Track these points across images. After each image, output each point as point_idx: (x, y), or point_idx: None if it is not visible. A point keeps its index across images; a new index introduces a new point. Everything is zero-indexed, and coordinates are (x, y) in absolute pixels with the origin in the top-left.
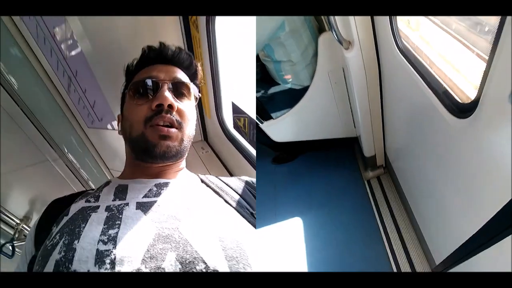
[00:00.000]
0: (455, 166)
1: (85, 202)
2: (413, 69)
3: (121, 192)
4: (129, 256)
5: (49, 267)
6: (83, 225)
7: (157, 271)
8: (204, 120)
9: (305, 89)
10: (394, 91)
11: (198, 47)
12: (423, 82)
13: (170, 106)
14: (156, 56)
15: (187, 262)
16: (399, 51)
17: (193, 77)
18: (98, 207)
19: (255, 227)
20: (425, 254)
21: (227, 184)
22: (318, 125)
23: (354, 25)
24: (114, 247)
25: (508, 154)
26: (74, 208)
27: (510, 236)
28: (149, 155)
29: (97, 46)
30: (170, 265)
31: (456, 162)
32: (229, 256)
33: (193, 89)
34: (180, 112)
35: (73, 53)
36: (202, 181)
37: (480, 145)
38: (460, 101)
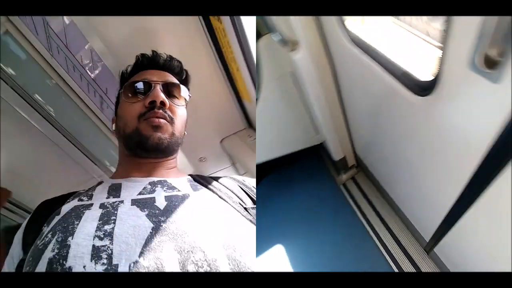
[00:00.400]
0: (425, 143)
1: (78, 201)
2: (367, 57)
3: (114, 191)
4: (127, 249)
5: (41, 266)
6: (77, 222)
7: (156, 262)
8: (244, 107)
9: None
10: (352, 85)
11: (224, 37)
12: (380, 68)
13: (162, 103)
14: (149, 62)
15: (185, 251)
16: (350, 41)
17: (183, 82)
18: (91, 204)
19: (251, 221)
20: (415, 237)
21: (218, 182)
22: (276, 141)
23: (297, 23)
24: (111, 242)
25: (472, 121)
26: (67, 207)
27: (483, 199)
28: (142, 148)
29: (121, 60)
30: (168, 255)
31: (425, 139)
32: (226, 244)
33: (184, 91)
34: (171, 109)
35: (100, 72)
36: (195, 179)
37: (446, 118)
38: (421, 80)
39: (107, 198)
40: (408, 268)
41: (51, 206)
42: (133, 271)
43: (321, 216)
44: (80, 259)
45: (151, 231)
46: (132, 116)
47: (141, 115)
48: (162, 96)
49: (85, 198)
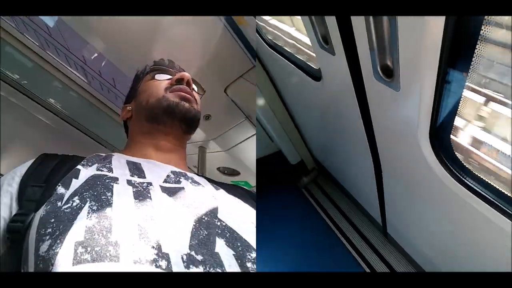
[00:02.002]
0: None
1: (97, 170)
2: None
3: (137, 170)
4: (175, 240)
5: (77, 232)
6: (109, 194)
7: (212, 256)
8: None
9: None
10: (293, 97)
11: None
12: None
13: (188, 83)
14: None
15: (239, 248)
16: (268, 45)
17: None
18: (117, 178)
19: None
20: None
21: (224, 184)
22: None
23: None
24: (157, 227)
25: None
26: (85, 173)
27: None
28: (170, 113)
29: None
30: (222, 250)
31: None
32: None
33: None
34: (194, 94)
35: (106, 65)
36: (206, 178)
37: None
38: None
39: (131, 176)
40: (374, 260)
41: (58, 163)
42: (190, 265)
43: (287, 224)
44: (127, 235)
45: (194, 223)
46: (159, 88)
47: (167, 88)
48: (189, 76)
49: (104, 169)
